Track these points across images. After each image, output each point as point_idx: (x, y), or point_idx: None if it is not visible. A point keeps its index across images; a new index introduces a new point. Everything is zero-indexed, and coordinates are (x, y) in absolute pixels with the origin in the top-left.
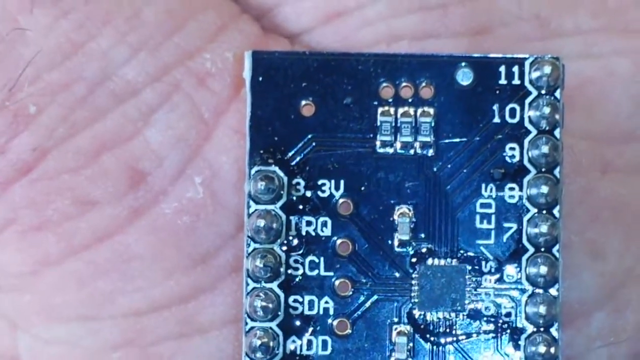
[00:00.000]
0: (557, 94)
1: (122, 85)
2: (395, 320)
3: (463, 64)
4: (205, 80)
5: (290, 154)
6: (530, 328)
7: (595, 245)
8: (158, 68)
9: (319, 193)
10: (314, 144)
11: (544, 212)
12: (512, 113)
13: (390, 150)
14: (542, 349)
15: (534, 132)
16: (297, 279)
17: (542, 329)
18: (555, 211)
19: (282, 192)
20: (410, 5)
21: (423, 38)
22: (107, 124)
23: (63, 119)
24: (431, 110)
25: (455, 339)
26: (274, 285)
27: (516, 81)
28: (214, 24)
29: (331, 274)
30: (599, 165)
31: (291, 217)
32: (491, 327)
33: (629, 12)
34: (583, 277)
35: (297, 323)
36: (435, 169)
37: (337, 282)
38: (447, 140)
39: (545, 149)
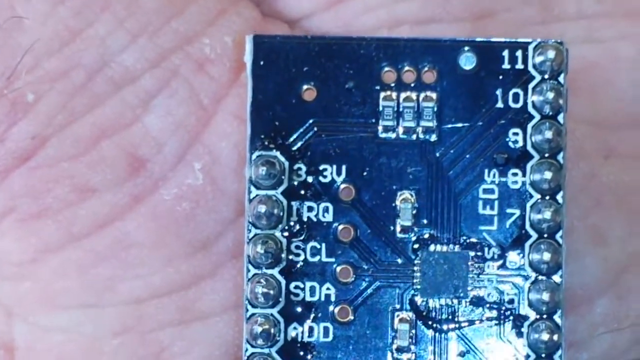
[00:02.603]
0: (561, 78)
1: (120, 72)
2: (397, 307)
3: (466, 48)
4: (205, 65)
5: (291, 139)
6: (533, 315)
7: (598, 230)
8: (157, 54)
9: (321, 178)
10: (315, 128)
11: (547, 197)
12: (516, 98)
13: (392, 135)
14: (545, 336)
15: (537, 117)
16: (298, 265)
17: (545, 316)
18: (559, 197)
19: (283, 177)
20: None
21: (425, 23)
22: (105, 110)
23: (62, 107)
24: (434, 95)
25: (457, 326)
26: (275, 272)
27: (519, 66)
28: (213, 8)
29: (333, 260)
30: (602, 151)
31: (292, 203)
32: (494, 314)
33: None
34: (586, 263)
35: (299, 309)
36: (437, 154)
37: (338, 269)
38: (449, 125)
39: (548, 134)
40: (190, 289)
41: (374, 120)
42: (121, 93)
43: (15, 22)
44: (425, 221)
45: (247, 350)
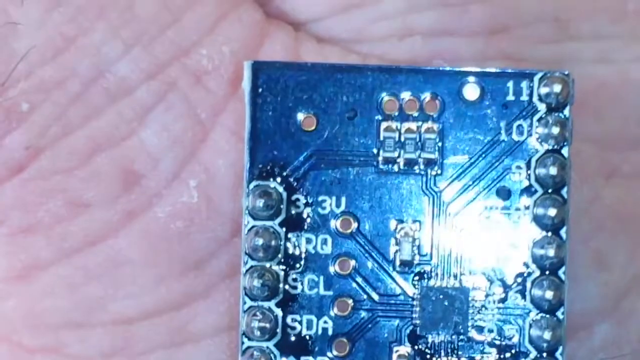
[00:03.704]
0: (566, 111)
1: (116, 83)
2: (396, 341)
3: (470, 78)
4: (202, 78)
5: (290, 169)
6: (534, 352)
7: (599, 254)
8: (152, 65)
9: (319, 210)
10: (314, 159)
11: (551, 233)
12: (520, 130)
13: (393, 167)
14: None
15: (541, 150)
16: (295, 298)
17: (545, 354)
18: (562, 232)
19: (281, 207)
20: (430, 1)
21: (438, 35)
22: (101, 123)
23: (56, 118)
24: (436, 126)
25: None
26: (271, 304)
27: (524, 97)
28: (211, 15)
29: (330, 293)
30: (605, 172)
31: (290, 234)
32: (494, 350)
33: None
34: (587, 288)
35: (295, 343)
36: (439, 187)
37: (336, 302)
38: (452, 158)
39: (553, 170)
40: (182, 309)
41: (375, 151)
42: (117, 105)
43: (10, 28)
44: (425, 255)
45: None
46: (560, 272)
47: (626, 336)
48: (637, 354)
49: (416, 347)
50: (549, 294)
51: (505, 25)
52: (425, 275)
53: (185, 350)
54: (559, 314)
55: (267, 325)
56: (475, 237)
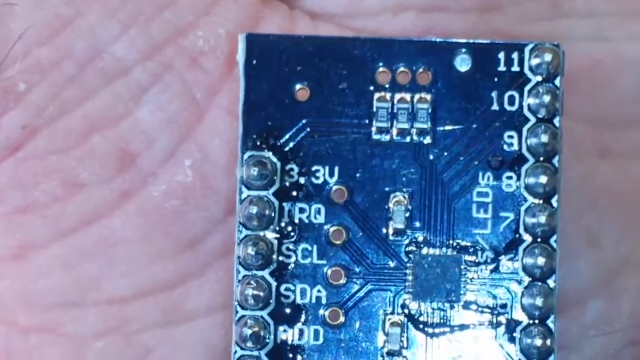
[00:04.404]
0: (557, 81)
1: (112, 64)
2: (389, 310)
3: (462, 49)
4: (198, 58)
5: (283, 139)
6: (525, 320)
7: (591, 233)
8: (149, 46)
9: (313, 179)
10: (308, 129)
11: (542, 201)
12: (511, 100)
13: (386, 136)
14: (538, 341)
15: (532, 120)
16: (289, 267)
17: (537, 321)
18: (554, 201)
19: (275, 177)
20: None
21: (431, 10)
22: (97, 103)
23: (53, 98)
24: (428, 97)
25: (449, 330)
26: (265, 273)
27: (515, 68)
28: None
29: (324, 262)
30: (598, 150)
31: (284, 204)
32: (486, 318)
33: None
34: (579, 265)
35: (289, 312)
36: (431, 157)
37: (330, 271)
38: (444, 128)
39: (544, 137)
40: (177, 288)
41: (367, 122)
42: (113, 86)
43: (7, 9)
44: (418, 224)
45: (236, 352)
46: (552, 240)
47: (617, 314)
48: (627, 330)
49: (409, 316)
50: (541, 261)
51: (498, 2)
52: (418, 244)
53: (180, 329)
54: (551, 281)
55: (261, 293)
56: (467, 205)
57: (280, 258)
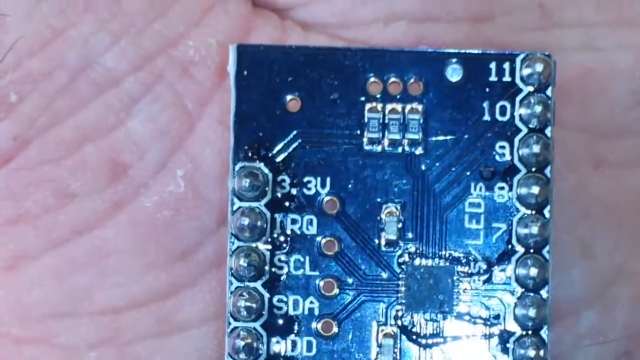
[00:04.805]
0: (549, 91)
1: (103, 74)
2: (382, 321)
3: (453, 60)
4: (188, 69)
5: (275, 150)
6: (518, 331)
7: (585, 243)
8: (140, 56)
9: (305, 190)
10: (299, 140)
11: (534, 212)
12: (503, 111)
13: (377, 147)
14: (531, 352)
15: (524, 130)
16: (281, 278)
17: (531, 332)
18: (546, 211)
19: (266, 189)
20: None
21: (422, 21)
22: (88, 114)
23: (44, 108)
24: (420, 107)
25: (442, 341)
26: (257, 285)
27: (507, 78)
28: (198, 6)
29: (316, 273)
30: (592, 160)
31: (276, 215)
32: (479, 329)
33: (634, 6)
34: (572, 275)
35: (282, 323)
36: (423, 168)
37: (322, 282)
38: (435, 138)
39: (536, 148)
40: (169, 299)
41: (359, 132)
42: (104, 96)
43: None
44: (410, 235)
45: None
46: (545, 251)
47: (612, 323)
48: (621, 340)
49: (402, 327)
50: (534, 272)
51: (489, 12)
52: (410, 255)
53: (172, 340)
54: (544, 292)
55: (254, 305)
56: (459, 216)
57: (273, 269)
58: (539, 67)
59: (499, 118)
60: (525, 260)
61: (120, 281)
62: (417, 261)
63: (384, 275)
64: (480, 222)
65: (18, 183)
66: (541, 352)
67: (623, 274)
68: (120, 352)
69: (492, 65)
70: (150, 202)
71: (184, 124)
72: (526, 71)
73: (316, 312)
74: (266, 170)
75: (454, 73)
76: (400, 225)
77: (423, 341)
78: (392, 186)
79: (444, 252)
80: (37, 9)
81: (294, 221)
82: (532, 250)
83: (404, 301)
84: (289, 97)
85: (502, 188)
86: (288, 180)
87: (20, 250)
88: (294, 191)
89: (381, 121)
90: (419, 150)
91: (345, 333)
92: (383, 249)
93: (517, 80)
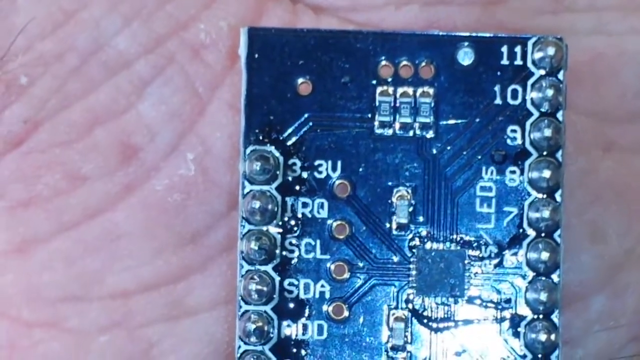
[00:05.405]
0: (560, 75)
1: (114, 57)
2: (393, 305)
3: (464, 43)
4: (200, 52)
5: (286, 134)
6: (530, 315)
7: (595, 227)
8: (151, 39)
9: (316, 174)
10: (310, 123)
11: (546, 196)
12: (514, 94)
13: (389, 131)
14: (542, 336)
15: (536, 114)
16: (292, 262)
17: (542, 316)
18: (557, 195)
19: (277, 172)
20: None
21: (434, 4)
22: (99, 97)
23: (55, 91)
24: (431, 91)
25: (453, 325)
26: (268, 268)
27: (518, 62)
28: None
29: (327, 257)
30: (602, 144)
31: (287, 199)
32: (490, 313)
33: None
34: (582, 260)
35: (292, 307)
36: (434, 151)
37: (333, 266)
38: (447, 122)
39: (547, 132)
40: (180, 283)
41: (370, 116)
42: (115, 79)
43: (9, 2)
44: (421, 218)
45: (239, 347)
46: (556, 235)
47: (622, 308)
48: (632, 325)
49: (413, 311)
50: (545, 256)
51: None
52: (421, 239)
53: (182, 324)
54: (555, 276)
55: (265, 288)
56: (470, 200)
57: (284, 253)
58: (551, 51)
59: (511, 102)
60: (537, 244)
61: (131, 265)
62: (428, 245)
63: (395, 259)
64: (491, 205)
65: (29, 166)
66: (552, 336)
67: (633, 258)
68: (131, 335)
69: (504, 49)
70: (161, 185)
71: (195, 107)
72: (538, 55)
73: (327, 296)
74: (277, 154)
75: (465, 56)
76: (411, 208)
77: (434, 325)
78: (403, 170)
79: (455, 236)
80: None
81: (305, 204)
82: (543, 234)
83: (415, 285)
84: (300, 81)
85: (513, 172)
86: (299, 163)
87: (31, 233)
88: (305, 174)
89: (392, 104)
90: (430, 134)
91: (356, 317)
92: (394, 232)
93: (529, 64)
